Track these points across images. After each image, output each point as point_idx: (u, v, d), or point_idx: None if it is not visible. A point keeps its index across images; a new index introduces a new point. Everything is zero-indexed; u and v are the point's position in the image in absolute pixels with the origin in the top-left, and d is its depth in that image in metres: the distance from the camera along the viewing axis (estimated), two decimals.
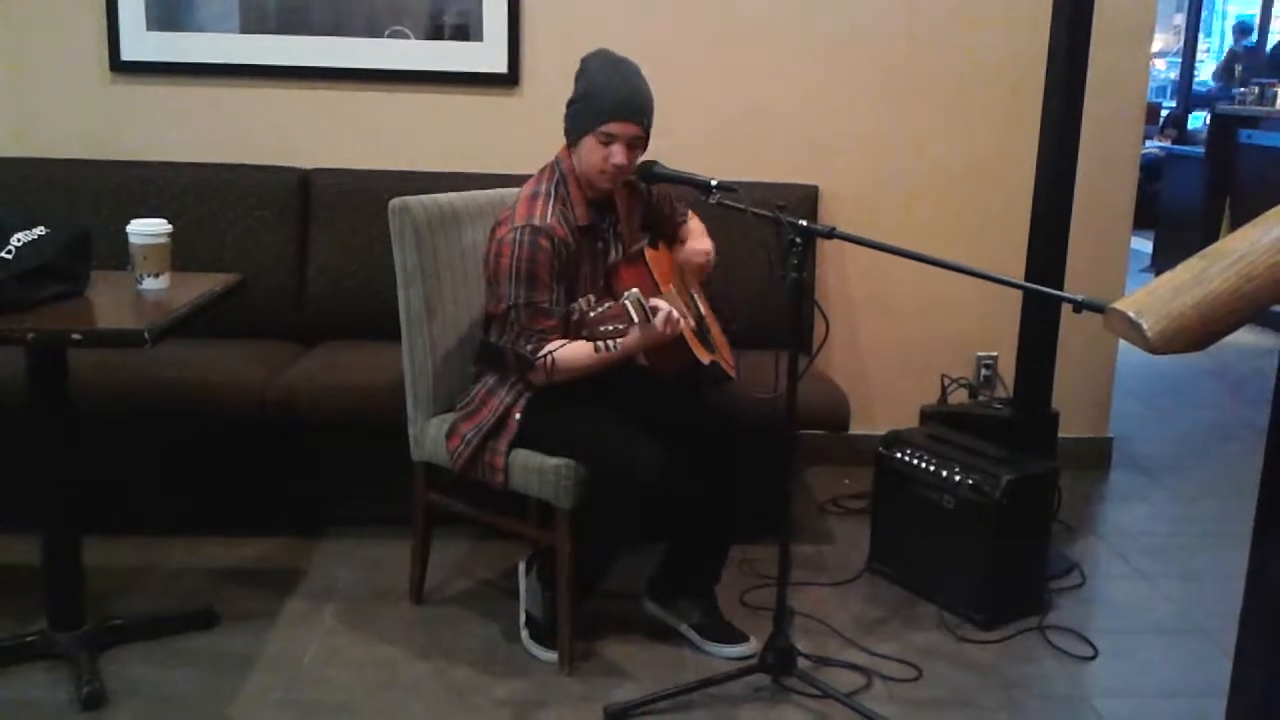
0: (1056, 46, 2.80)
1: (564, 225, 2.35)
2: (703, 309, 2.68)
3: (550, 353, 2.27)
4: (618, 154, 2.35)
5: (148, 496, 3.15)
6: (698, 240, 2.66)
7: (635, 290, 2.17)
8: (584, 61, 2.42)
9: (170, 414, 2.97)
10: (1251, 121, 6.68)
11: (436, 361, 2.63)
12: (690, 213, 2.72)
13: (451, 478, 2.57)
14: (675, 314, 2.26)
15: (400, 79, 3.52)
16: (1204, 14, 10.23)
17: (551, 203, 2.37)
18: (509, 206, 2.41)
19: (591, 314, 2.16)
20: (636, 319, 2.16)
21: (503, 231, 2.35)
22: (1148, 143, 8.23)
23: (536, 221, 2.32)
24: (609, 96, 2.35)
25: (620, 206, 2.53)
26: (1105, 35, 3.26)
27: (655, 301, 2.24)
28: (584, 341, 2.23)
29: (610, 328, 2.15)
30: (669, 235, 2.69)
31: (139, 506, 3.14)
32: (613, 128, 2.34)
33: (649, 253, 2.50)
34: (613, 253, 2.52)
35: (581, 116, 2.37)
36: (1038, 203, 2.91)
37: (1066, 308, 1.97)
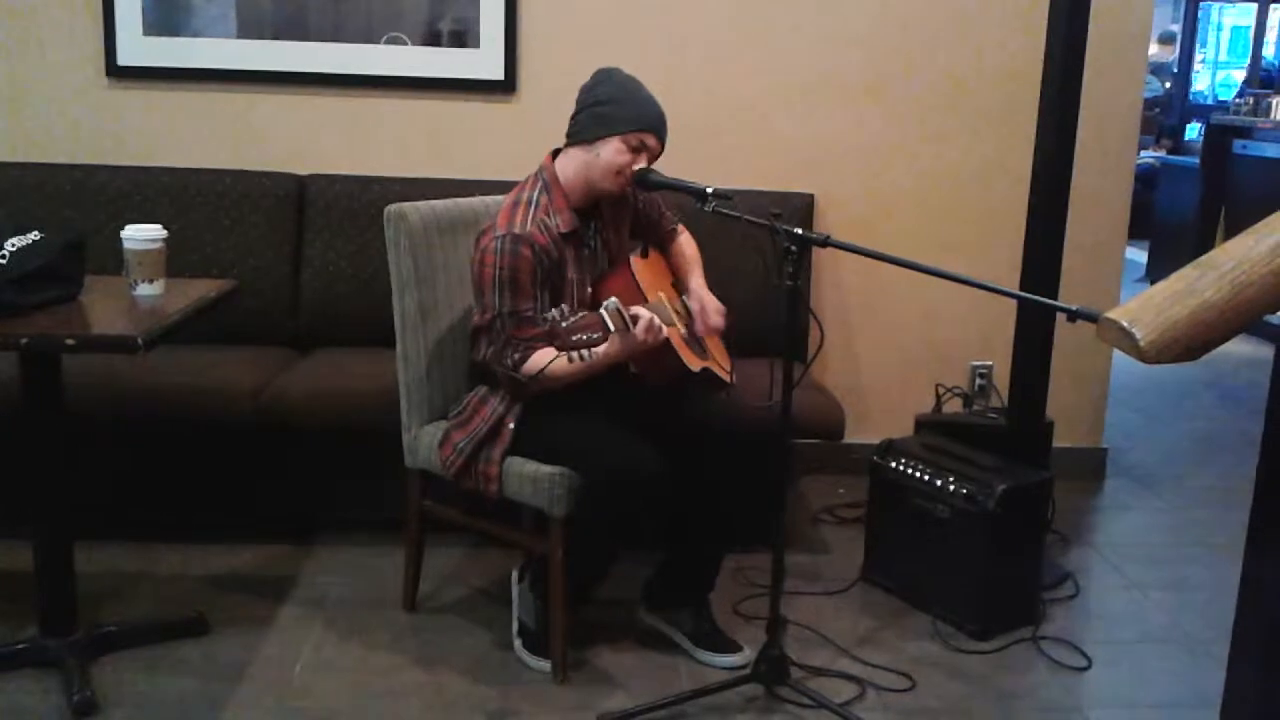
0: (1052, 55, 2.80)
1: (545, 233, 2.35)
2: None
3: (537, 364, 2.28)
4: (642, 162, 2.41)
5: (140, 503, 3.14)
6: (708, 298, 2.61)
7: (614, 299, 2.16)
8: (603, 73, 2.44)
9: (163, 420, 2.96)
10: (1246, 132, 6.70)
11: (431, 368, 2.63)
12: (680, 225, 2.72)
13: (446, 485, 2.56)
14: (657, 322, 2.25)
15: (397, 85, 3.51)
16: (1200, 25, 10.27)
17: (533, 210, 2.37)
18: (492, 216, 2.42)
19: (564, 324, 2.14)
20: (614, 327, 2.14)
21: (485, 240, 2.36)
22: (1143, 153, 8.25)
23: (517, 229, 2.32)
24: (648, 110, 2.40)
25: (606, 213, 2.53)
26: (1101, 43, 3.27)
27: (636, 310, 2.23)
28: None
29: (583, 336, 2.12)
30: (659, 241, 2.69)
31: (131, 513, 3.13)
32: (648, 139, 2.40)
33: (635, 260, 2.51)
34: (600, 261, 2.52)
35: (610, 119, 2.38)
36: (1033, 212, 2.91)
37: (1061, 317, 1.97)
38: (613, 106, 2.38)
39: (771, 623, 2.36)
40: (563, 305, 2.40)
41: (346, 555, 3.05)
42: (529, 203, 2.39)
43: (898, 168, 3.65)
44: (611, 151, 2.38)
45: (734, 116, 3.58)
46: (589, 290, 2.47)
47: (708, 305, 2.59)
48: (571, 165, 2.43)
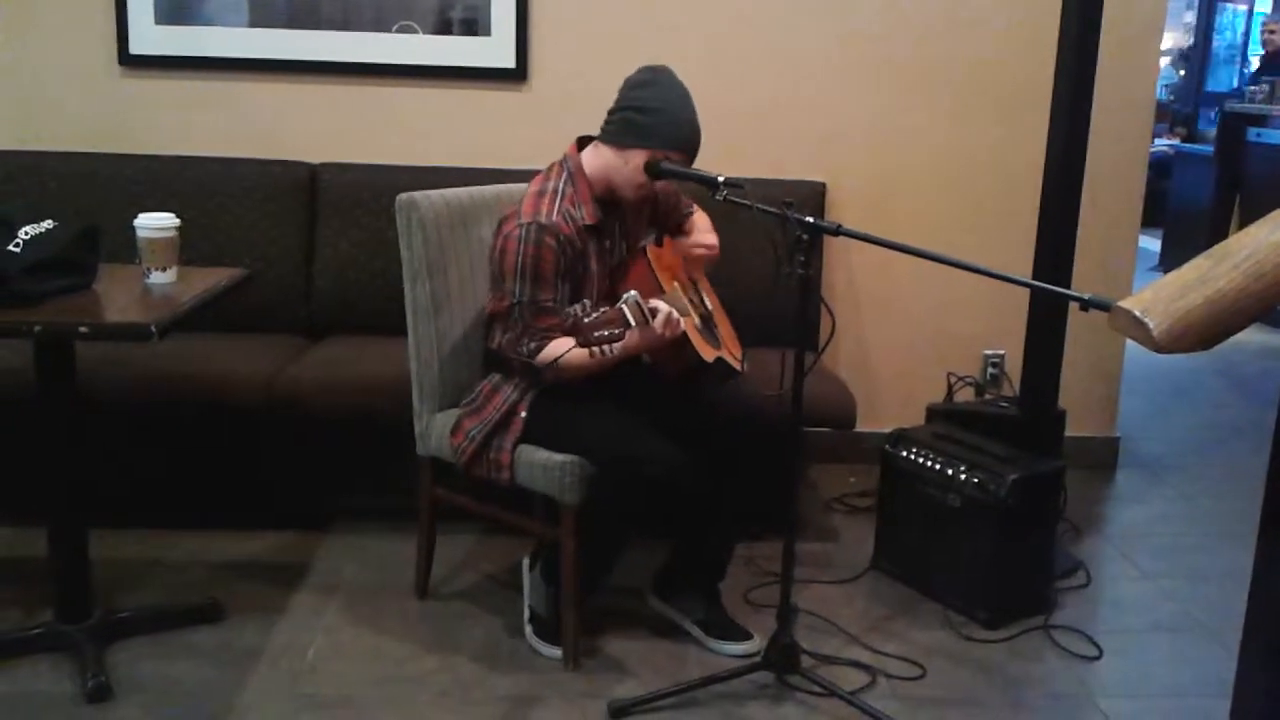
0: (1066, 42, 2.79)
1: (570, 224, 2.35)
2: (710, 303, 2.68)
3: (553, 354, 2.28)
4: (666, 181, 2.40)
5: (154, 490, 3.16)
6: (702, 234, 2.65)
7: (634, 293, 2.16)
8: (651, 73, 2.39)
9: (177, 407, 2.97)
10: (1260, 120, 6.65)
11: (443, 356, 2.63)
12: (696, 207, 2.72)
13: (457, 472, 2.57)
14: (675, 315, 2.25)
15: (408, 74, 3.52)
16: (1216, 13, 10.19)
17: (559, 201, 2.37)
18: (516, 202, 2.41)
19: (586, 319, 2.14)
20: (635, 322, 2.15)
21: (509, 227, 2.35)
22: (1157, 140, 8.21)
23: (543, 219, 2.32)
24: (686, 127, 2.37)
25: (628, 206, 2.52)
26: (1114, 31, 3.25)
27: (655, 303, 2.23)
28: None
29: (605, 333, 2.13)
30: (674, 229, 2.69)
31: (145, 500, 3.14)
32: (678, 158, 2.36)
33: (651, 250, 2.50)
34: (620, 252, 2.52)
35: (646, 131, 2.34)
36: (1045, 200, 2.90)
37: (1074, 306, 1.97)
38: (650, 118, 2.34)
39: (782, 611, 2.37)
40: (584, 300, 2.39)
41: (359, 542, 3.06)
42: (555, 192, 2.38)
43: (910, 156, 3.64)
44: (638, 165, 2.36)
45: (745, 104, 3.57)
46: (607, 282, 2.47)
47: (698, 235, 2.62)
48: (598, 162, 2.41)
